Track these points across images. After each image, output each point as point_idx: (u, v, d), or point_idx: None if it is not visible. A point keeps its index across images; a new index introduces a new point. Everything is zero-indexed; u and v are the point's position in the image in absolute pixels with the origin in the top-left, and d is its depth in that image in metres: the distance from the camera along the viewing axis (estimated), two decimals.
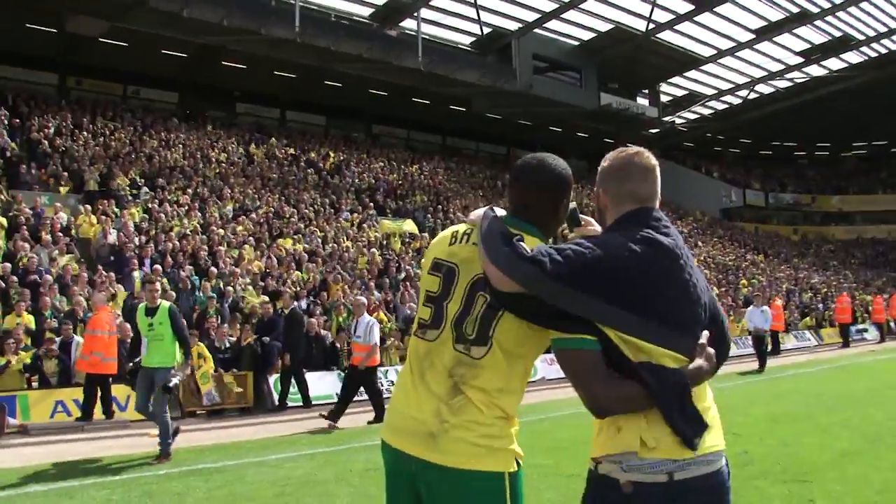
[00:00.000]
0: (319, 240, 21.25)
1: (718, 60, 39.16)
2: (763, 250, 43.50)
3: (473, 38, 34.51)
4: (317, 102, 37.79)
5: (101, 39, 29.59)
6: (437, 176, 34.85)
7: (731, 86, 43.16)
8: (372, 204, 26.97)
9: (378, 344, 12.02)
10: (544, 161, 2.44)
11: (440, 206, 29.51)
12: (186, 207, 20.72)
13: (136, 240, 17.08)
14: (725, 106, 45.53)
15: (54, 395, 11.91)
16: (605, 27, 35.24)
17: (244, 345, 14.35)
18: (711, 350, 2.19)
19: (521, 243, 2.16)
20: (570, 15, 33.43)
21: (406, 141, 41.12)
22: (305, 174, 28.61)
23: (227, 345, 14.37)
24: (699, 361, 2.14)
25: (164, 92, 34.41)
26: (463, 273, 2.42)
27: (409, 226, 22.59)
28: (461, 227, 2.56)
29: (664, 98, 43.70)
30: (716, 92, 43.78)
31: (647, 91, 41.95)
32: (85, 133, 25.52)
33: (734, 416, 10.01)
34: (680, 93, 44.20)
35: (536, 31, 34.39)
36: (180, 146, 26.99)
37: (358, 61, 29.15)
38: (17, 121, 24.95)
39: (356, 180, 29.62)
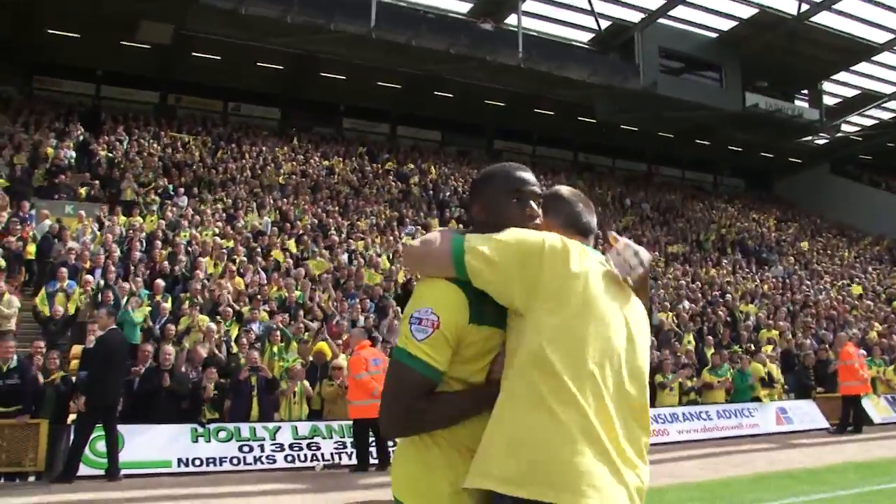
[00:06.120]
0: (347, 255, 17.95)
1: None
2: None
3: (592, 35, 30.40)
4: (429, 116, 35.03)
5: (194, 54, 28.51)
6: None
7: None
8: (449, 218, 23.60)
9: None
10: None
11: None
12: (210, 217, 18.28)
13: (99, 249, 14.62)
14: None
15: None
16: (747, 12, 29.04)
17: (46, 382, 10.26)
18: None
19: None
20: (705, 0, 28.08)
21: (531, 157, 37.32)
22: (390, 188, 25.75)
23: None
24: None
25: (267, 108, 33.02)
26: None
27: None
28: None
29: (831, 101, 36.03)
30: None
31: (805, 92, 34.98)
32: (156, 146, 24.09)
33: None
34: (850, 92, 35.92)
35: (664, 22, 29.39)
36: (250, 158, 24.93)
37: (447, 60, 26.00)
38: (90, 133, 23.90)
39: (444, 195, 26.33)
